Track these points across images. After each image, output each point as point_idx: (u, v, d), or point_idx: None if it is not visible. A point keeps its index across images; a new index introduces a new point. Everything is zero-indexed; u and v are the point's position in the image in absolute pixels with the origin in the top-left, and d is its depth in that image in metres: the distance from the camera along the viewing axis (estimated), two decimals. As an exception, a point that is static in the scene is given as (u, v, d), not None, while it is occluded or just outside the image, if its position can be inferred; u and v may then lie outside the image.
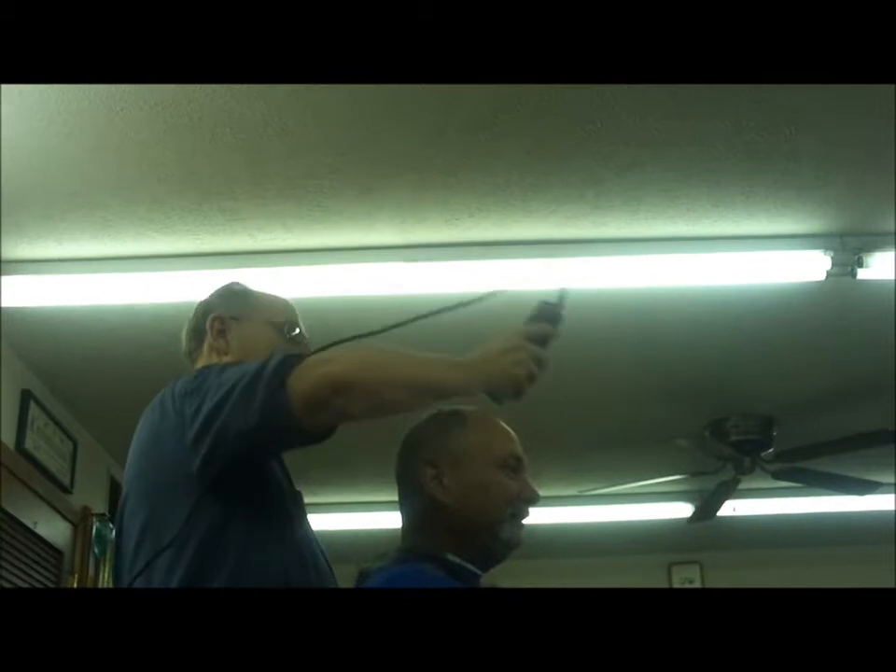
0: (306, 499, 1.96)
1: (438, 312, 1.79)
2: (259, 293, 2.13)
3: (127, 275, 3.46)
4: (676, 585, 7.29)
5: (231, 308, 2.07)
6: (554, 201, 3.20)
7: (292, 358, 1.66)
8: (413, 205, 3.21)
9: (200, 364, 2.02)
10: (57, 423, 4.56)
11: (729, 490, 5.43)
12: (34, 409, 4.28)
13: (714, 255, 3.41)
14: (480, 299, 1.82)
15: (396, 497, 1.83)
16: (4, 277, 3.42)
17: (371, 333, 1.74)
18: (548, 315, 1.78)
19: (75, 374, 4.33)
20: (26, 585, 4.26)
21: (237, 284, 2.16)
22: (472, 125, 2.85)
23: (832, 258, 3.37)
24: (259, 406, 1.62)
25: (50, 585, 4.54)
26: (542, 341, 1.74)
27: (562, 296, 1.80)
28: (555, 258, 3.39)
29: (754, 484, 5.51)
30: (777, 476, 5.24)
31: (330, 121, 2.81)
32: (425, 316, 1.79)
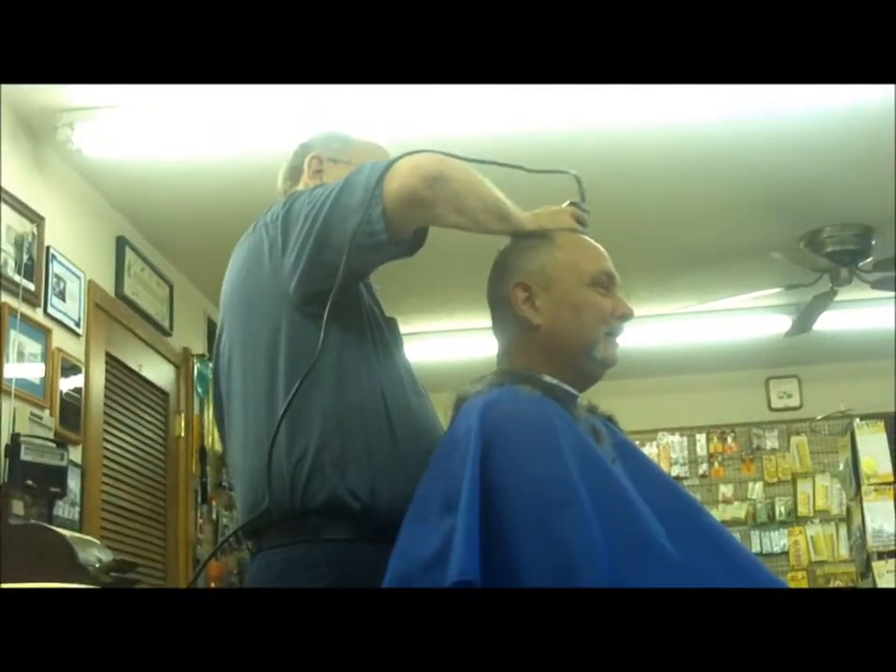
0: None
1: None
2: (360, 140, 2.13)
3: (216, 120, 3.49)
4: (773, 399, 7.33)
5: (330, 149, 2.09)
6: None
7: (388, 162, 1.70)
8: None
9: None
10: (153, 267, 4.65)
11: (826, 302, 5.36)
12: (129, 255, 4.36)
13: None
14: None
15: (489, 323, 1.84)
16: (92, 122, 3.46)
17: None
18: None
19: (166, 219, 4.40)
20: (137, 426, 4.42)
21: (338, 130, 2.17)
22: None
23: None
24: (359, 202, 1.67)
25: (159, 425, 4.70)
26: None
27: (581, 192, 1.89)
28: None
29: (852, 296, 5.44)
30: (875, 286, 5.15)
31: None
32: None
